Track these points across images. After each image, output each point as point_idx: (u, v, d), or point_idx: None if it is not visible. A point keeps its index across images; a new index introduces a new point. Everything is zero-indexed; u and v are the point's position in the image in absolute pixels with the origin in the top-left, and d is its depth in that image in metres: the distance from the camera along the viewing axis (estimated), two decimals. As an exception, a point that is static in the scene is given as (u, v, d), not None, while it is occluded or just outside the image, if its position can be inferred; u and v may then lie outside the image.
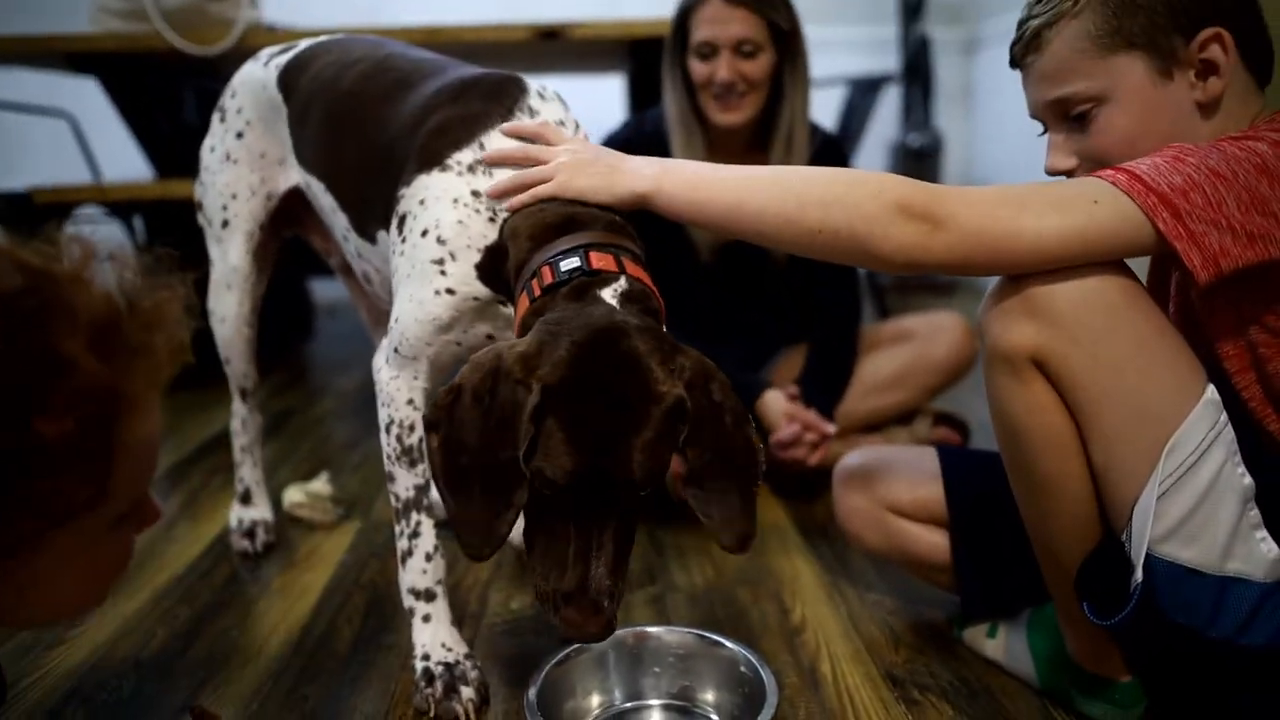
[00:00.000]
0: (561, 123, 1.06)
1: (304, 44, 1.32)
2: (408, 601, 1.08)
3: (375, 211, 1.12)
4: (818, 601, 1.26)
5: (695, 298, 1.72)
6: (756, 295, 1.75)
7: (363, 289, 1.42)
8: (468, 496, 0.87)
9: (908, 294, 3.55)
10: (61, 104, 3.37)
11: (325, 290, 3.69)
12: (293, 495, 1.59)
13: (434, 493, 0.98)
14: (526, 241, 0.96)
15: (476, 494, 0.86)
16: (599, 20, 2.36)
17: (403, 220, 1.04)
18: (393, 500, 1.08)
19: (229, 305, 1.39)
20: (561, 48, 2.48)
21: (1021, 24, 0.94)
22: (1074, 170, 0.93)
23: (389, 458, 1.07)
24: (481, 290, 1.02)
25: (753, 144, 1.68)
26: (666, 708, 1.01)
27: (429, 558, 1.06)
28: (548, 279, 0.92)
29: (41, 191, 2.45)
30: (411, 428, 1.06)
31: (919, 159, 3.63)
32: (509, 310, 1.02)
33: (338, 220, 1.23)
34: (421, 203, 1.02)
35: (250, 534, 1.47)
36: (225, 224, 1.36)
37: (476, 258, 1.01)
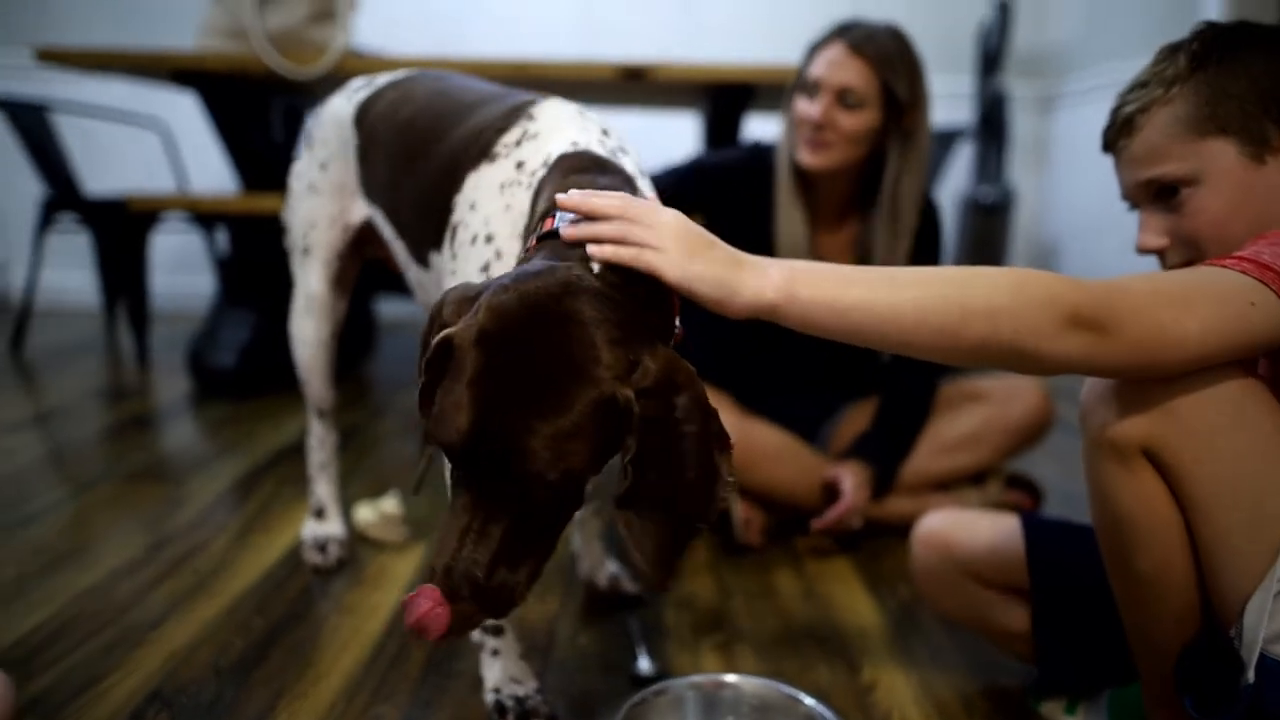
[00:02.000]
0: (607, 131, 1.02)
1: (383, 79, 1.35)
2: (476, 636, 1.09)
3: (428, 233, 1.11)
4: (887, 660, 1.25)
5: (767, 344, 1.72)
6: (832, 345, 1.74)
7: None
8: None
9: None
10: (152, 113, 3.51)
11: (388, 309, 3.77)
12: (364, 514, 1.61)
13: None
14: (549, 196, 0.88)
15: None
16: (682, 64, 2.40)
17: (455, 232, 1.01)
18: None
19: (309, 330, 1.43)
20: (643, 87, 2.52)
21: (1114, 110, 0.96)
22: (1165, 249, 0.94)
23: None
24: None
25: (850, 206, 1.67)
26: (739, 759, 1.01)
27: None
28: (546, 228, 0.83)
29: (136, 199, 2.55)
30: None
31: (989, 214, 3.62)
32: None
33: (398, 249, 1.25)
34: (473, 206, 0.98)
35: (323, 549, 1.50)
36: (306, 251, 1.40)
37: (518, 248, 0.93)
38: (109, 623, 1.29)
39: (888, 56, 1.54)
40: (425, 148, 1.14)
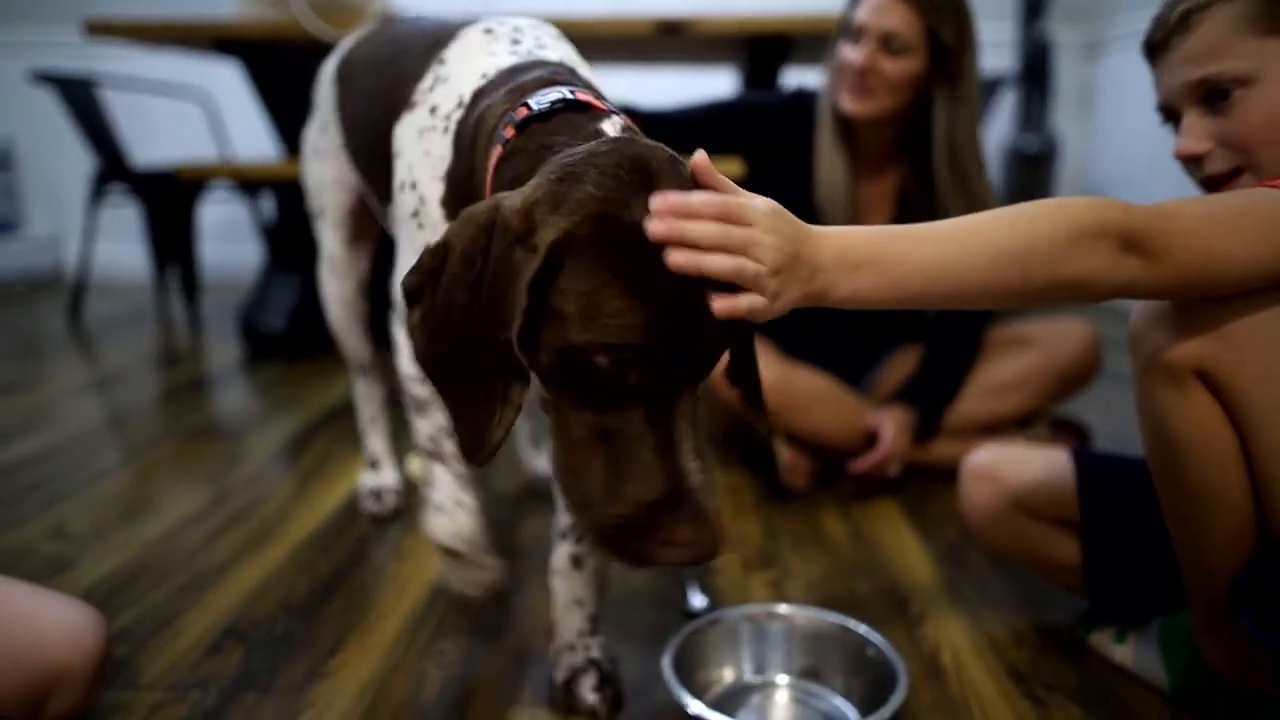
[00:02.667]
0: (521, 28, 0.96)
1: (358, 32, 1.33)
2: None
3: (381, 186, 1.08)
4: (936, 595, 1.26)
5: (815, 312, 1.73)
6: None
7: None
8: (458, 388, 0.71)
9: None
10: (195, 84, 3.56)
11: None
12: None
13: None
14: (500, 111, 0.83)
15: (468, 385, 0.70)
16: (719, 16, 2.38)
17: (394, 180, 0.97)
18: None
19: (331, 289, 1.46)
20: (679, 41, 2.51)
21: (1168, 8, 0.94)
22: (1207, 154, 0.92)
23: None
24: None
25: (892, 153, 1.66)
26: (794, 685, 1.03)
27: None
28: (523, 114, 0.78)
29: (186, 169, 2.60)
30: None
31: (1033, 164, 3.55)
32: None
33: (370, 197, 1.23)
34: (399, 155, 0.96)
35: (379, 497, 1.54)
36: (320, 213, 1.42)
37: (440, 191, 0.89)
38: (181, 566, 1.34)
39: (933, 1, 1.52)
40: (371, 100, 1.11)
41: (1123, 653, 1.09)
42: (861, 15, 1.54)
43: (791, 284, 0.70)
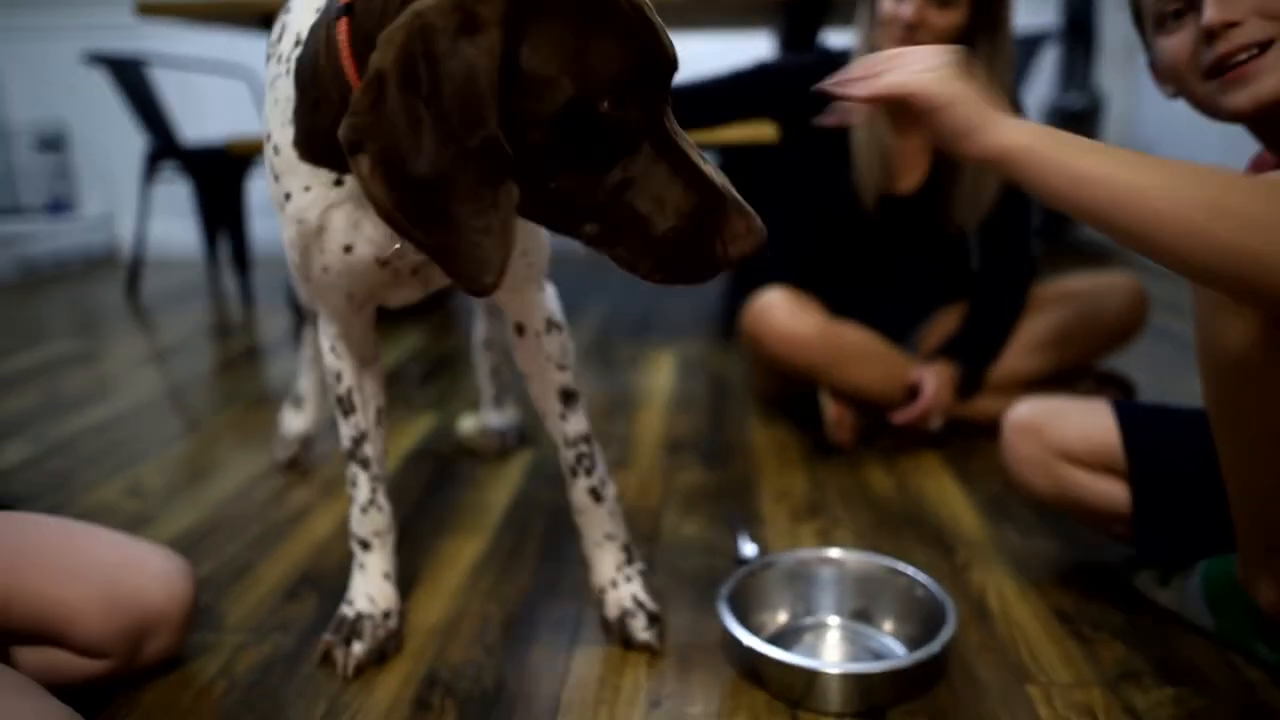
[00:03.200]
0: None
1: None
2: (352, 545, 1.09)
3: None
4: (981, 543, 1.29)
5: (854, 248, 1.74)
6: (919, 250, 1.75)
7: None
8: (437, 226, 0.67)
9: (1060, 262, 3.45)
10: (241, 62, 3.63)
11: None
12: (467, 425, 1.72)
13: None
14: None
15: (448, 215, 0.67)
16: (756, -24, 2.38)
17: None
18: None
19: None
20: (714, 4, 2.51)
21: None
22: (1239, 23, 0.86)
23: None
24: (314, 175, 0.85)
25: None
26: (845, 626, 1.07)
27: (364, 510, 1.06)
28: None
29: (235, 144, 2.66)
30: (338, 377, 1.03)
31: (1078, 121, 3.50)
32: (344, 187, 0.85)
33: None
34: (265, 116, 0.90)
35: (288, 443, 1.63)
36: None
37: (290, 134, 0.84)
38: (254, 519, 1.41)
39: None
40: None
41: (1167, 596, 1.11)
42: None
43: (960, 84, 0.80)
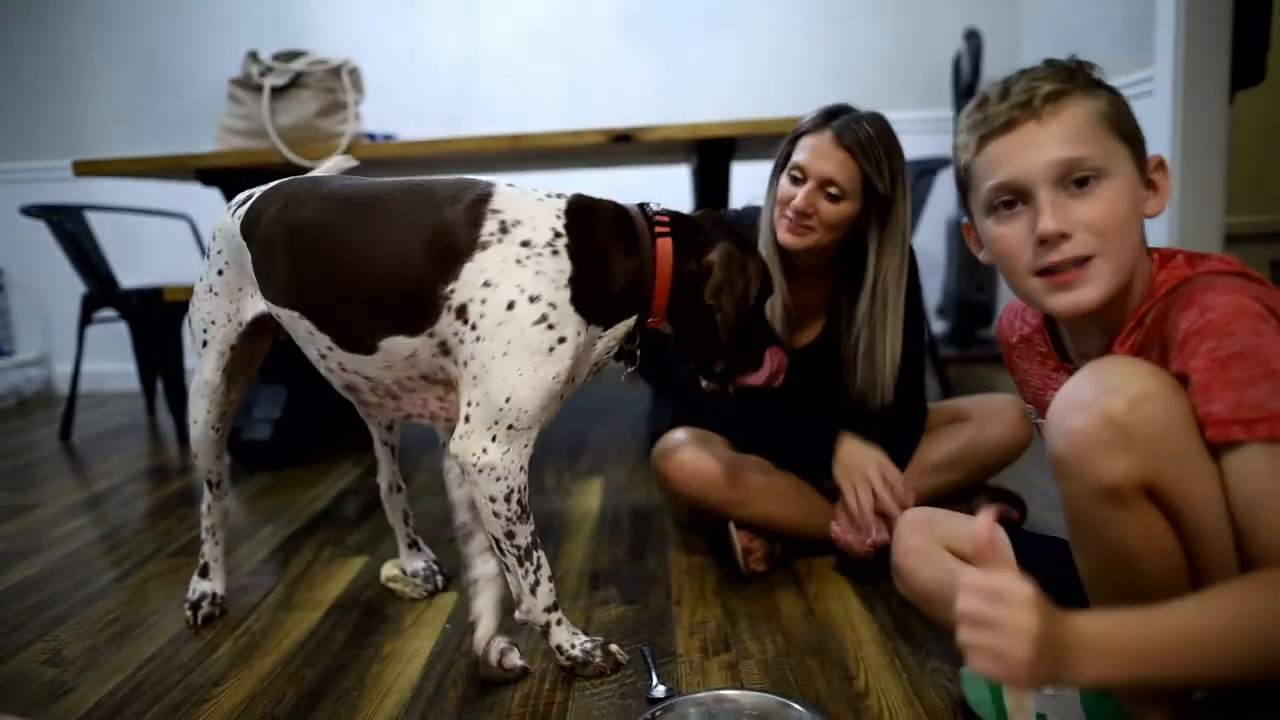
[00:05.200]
0: (519, 221, 1.25)
1: (256, 193, 1.48)
2: (542, 619, 1.37)
3: (379, 326, 1.28)
4: (880, 668, 1.36)
5: (758, 394, 1.82)
6: (822, 394, 1.81)
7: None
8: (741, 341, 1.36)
9: (968, 366, 3.62)
10: (178, 208, 3.73)
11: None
12: (388, 570, 1.76)
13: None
14: (618, 225, 1.32)
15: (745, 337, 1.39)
16: (665, 125, 2.57)
17: (464, 309, 1.22)
18: (513, 552, 1.32)
19: (200, 411, 1.59)
20: (634, 148, 2.69)
21: (1024, 88, 0.96)
22: (1069, 236, 0.93)
23: (510, 520, 1.28)
24: (583, 324, 1.25)
25: (825, 273, 1.75)
26: (742, 764, 1.12)
27: (550, 578, 1.37)
28: (658, 218, 1.35)
29: (170, 289, 2.74)
30: (524, 489, 1.28)
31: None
32: (600, 330, 1.30)
33: (316, 341, 1.36)
34: (485, 284, 1.21)
35: (197, 605, 1.66)
36: (205, 344, 1.55)
37: (568, 293, 1.22)
38: (176, 684, 1.42)
39: (871, 149, 1.59)
40: (350, 238, 1.28)
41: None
42: (802, 158, 1.62)
43: (1040, 666, 0.76)
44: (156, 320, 3.16)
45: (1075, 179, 0.94)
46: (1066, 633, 0.77)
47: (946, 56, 4.01)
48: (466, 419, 1.25)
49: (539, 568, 1.35)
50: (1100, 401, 0.86)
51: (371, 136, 2.94)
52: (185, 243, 3.81)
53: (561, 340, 1.22)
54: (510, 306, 1.20)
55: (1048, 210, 0.93)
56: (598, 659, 1.36)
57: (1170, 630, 0.77)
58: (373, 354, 1.31)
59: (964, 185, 1.06)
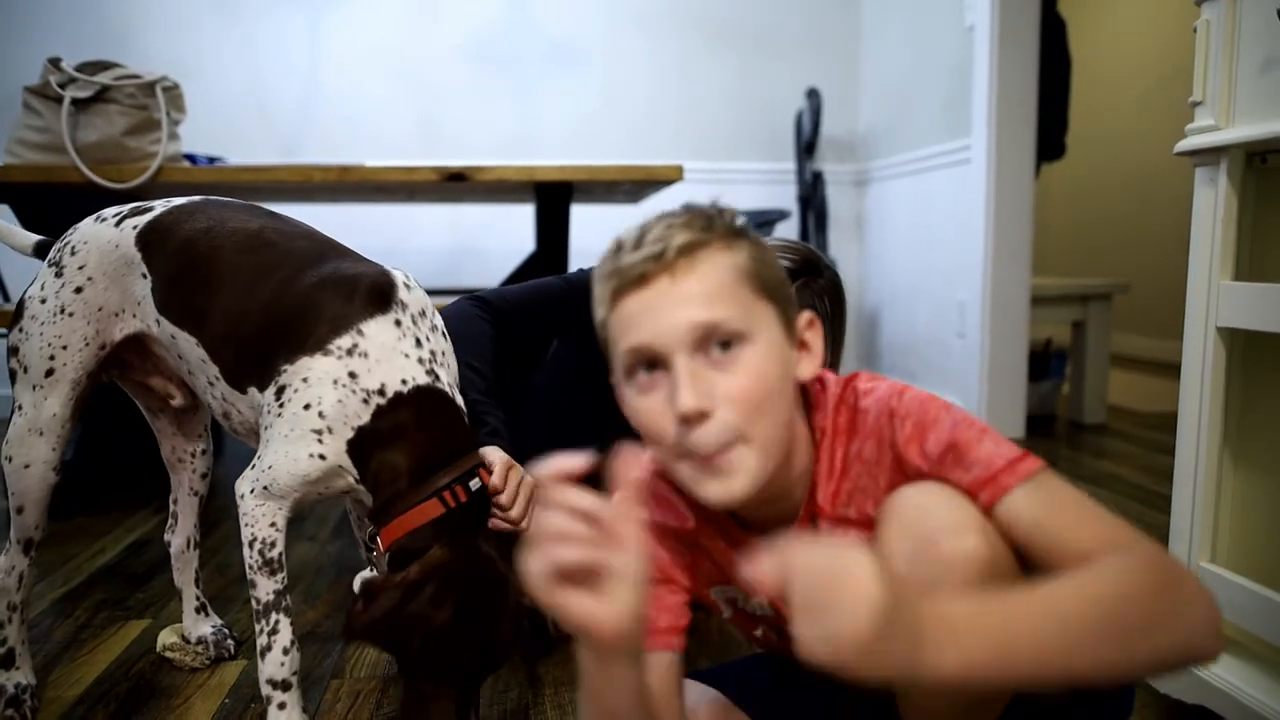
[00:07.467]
0: (423, 312, 1.25)
1: (161, 206, 1.39)
2: (265, 691, 1.21)
3: (251, 372, 1.25)
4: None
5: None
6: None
7: (177, 428, 1.58)
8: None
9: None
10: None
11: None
12: (166, 638, 1.61)
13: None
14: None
15: None
16: (500, 166, 2.53)
17: (281, 390, 1.19)
18: (254, 604, 1.22)
19: (39, 452, 1.35)
20: (474, 186, 2.64)
21: (661, 236, 0.81)
22: (710, 414, 0.79)
23: (251, 568, 1.22)
24: (348, 463, 1.19)
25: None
26: None
27: (285, 651, 1.21)
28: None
29: (-56, 317, 2.46)
30: (272, 544, 1.22)
31: (815, 285, 3.86)
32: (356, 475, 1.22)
33: (206, 369, 1.31)
34: (305, 380, 1.18)
35: (15, 703, 1.38)
36: (49, 373, 1.36)
37: (350, 435, 1.19)
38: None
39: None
40: (256, 286, 1.25)
41: None
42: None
43: (888, 648, 0.63)
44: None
45: (719, 341, 0.80)
46: (928, 615, 0.66)
47: (789, 112, 4.17)
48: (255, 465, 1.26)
49: (274, 632, 1.21)
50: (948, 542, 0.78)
51: (192, 159, 2.76)
52: (-23, 261, 3.46)
53: (322, 458, 1.20)
54: (306, 407, 1.19)
55: (685, 384, 0.78)
56: None
57: (1030, 606, 0.70)
58: (245, 394, 1.28)
59: (603, 342, 0.88)
